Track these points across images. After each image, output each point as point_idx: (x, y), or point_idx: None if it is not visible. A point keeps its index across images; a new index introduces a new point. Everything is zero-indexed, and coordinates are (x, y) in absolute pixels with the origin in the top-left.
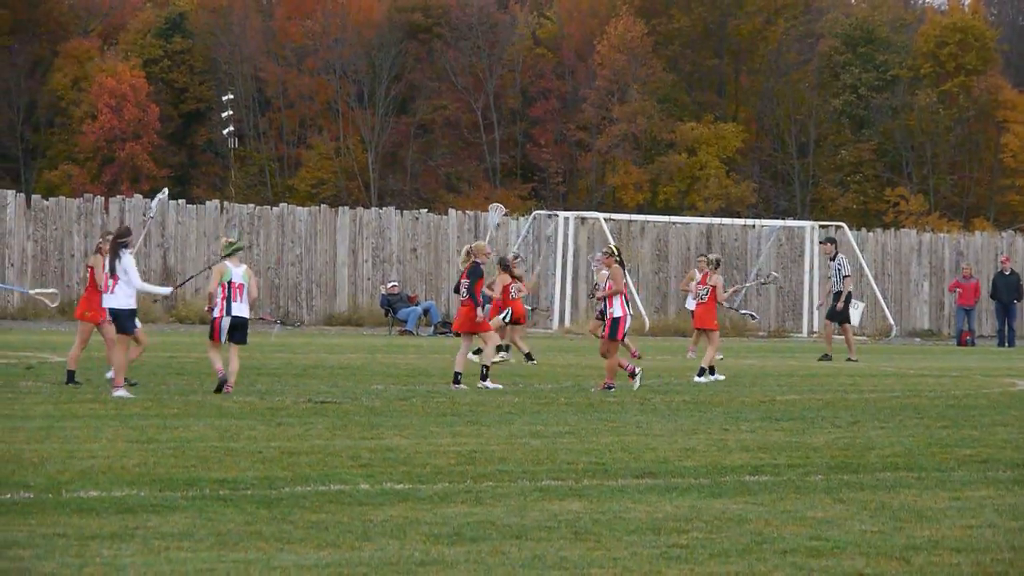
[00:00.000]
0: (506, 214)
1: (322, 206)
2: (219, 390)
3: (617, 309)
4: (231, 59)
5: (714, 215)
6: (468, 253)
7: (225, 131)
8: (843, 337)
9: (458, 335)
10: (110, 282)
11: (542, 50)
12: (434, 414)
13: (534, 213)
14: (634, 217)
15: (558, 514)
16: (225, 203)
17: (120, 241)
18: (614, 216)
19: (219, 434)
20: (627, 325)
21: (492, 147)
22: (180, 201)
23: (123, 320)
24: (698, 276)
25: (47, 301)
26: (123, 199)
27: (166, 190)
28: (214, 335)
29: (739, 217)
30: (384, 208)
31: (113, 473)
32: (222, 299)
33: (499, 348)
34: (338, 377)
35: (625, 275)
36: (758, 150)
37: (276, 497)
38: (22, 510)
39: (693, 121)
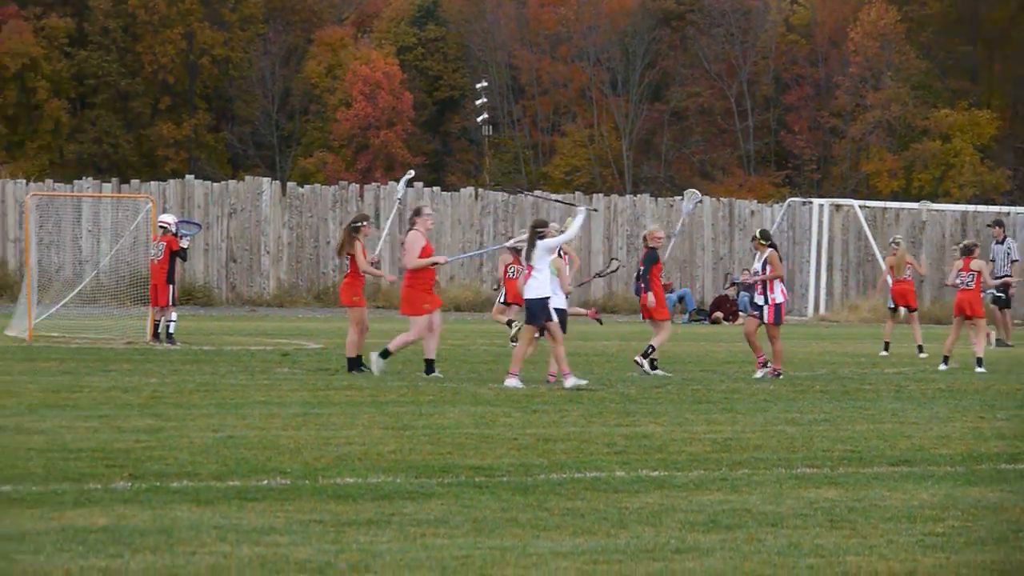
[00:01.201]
0: (699, 201)
1: (576, 193)
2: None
3: (778, 295)
4: (485, 46)
5: (968, 202)
6: (645, 239)
7: (479, 119)
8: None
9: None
10: (526, 271)
11: (795, 37)
12: (689, 401)
13: (788, 200)
14: (888, 204)
15: (814, 502)
16: (479, 190)
17: (538, 232)
18: (869, 203)
19: (475, 421)
20: (786, 311)
21: (746, 134)
22: (435, 188)
23: (536, 311)
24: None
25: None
26: (377, 186)
27: (412, 172)
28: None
29: (994, 204)
30: (639, 195)
31: (369, 460)
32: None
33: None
34: (593, 364)
35: (781, 259)
36: (1013, 137)
37: (532, 484)
38: (279, 496)
39: (947, 108)
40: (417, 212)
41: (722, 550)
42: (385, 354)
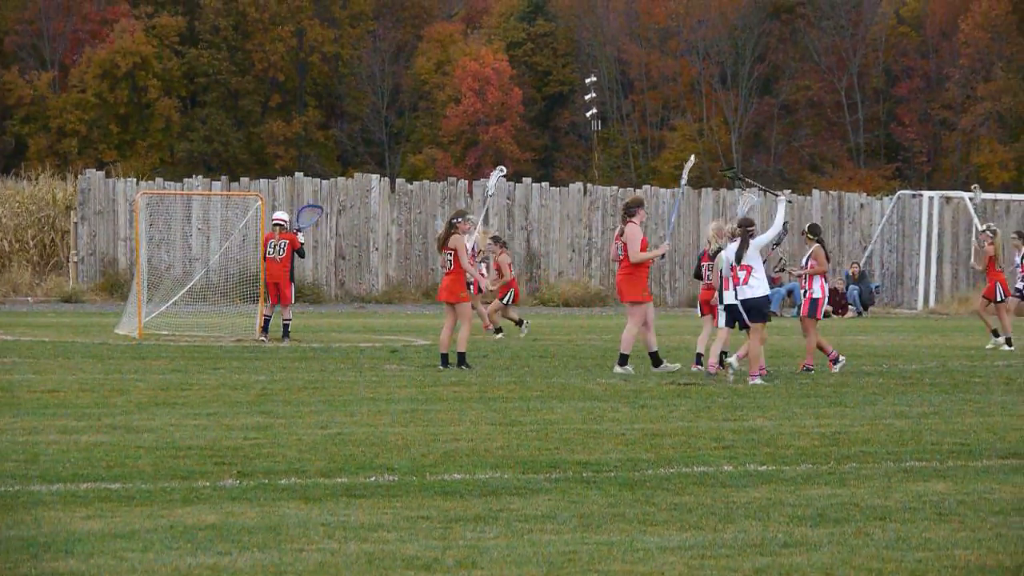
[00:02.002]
0: (504, 175)
1: (685, 188)
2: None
3: (817, 290)
4: (594, 41)
5: None
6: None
7: (588, 113)
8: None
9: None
10: (741, 274)
11: (905, 29)
12: (797, 395)
13: (898, 193)
14: (999, 196)
15: (922, 495)
16: (588, 185)
17: (748, 231)
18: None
19: (582, 416)
20: (824, 305)
21: (856, 127)
22: (543, 184)
23: (759, 309)
24: None
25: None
26: (486, 182)
27: (503, 168)
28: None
29: None
30: (747, 189)
31: (476, 455)
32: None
33: (519, 323)
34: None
35: (828, 254)
36: None
37: (639, 479)
38: (387, 493)
39: None
40: (638, 204)
41: (830, 544)
42: (624, 360)
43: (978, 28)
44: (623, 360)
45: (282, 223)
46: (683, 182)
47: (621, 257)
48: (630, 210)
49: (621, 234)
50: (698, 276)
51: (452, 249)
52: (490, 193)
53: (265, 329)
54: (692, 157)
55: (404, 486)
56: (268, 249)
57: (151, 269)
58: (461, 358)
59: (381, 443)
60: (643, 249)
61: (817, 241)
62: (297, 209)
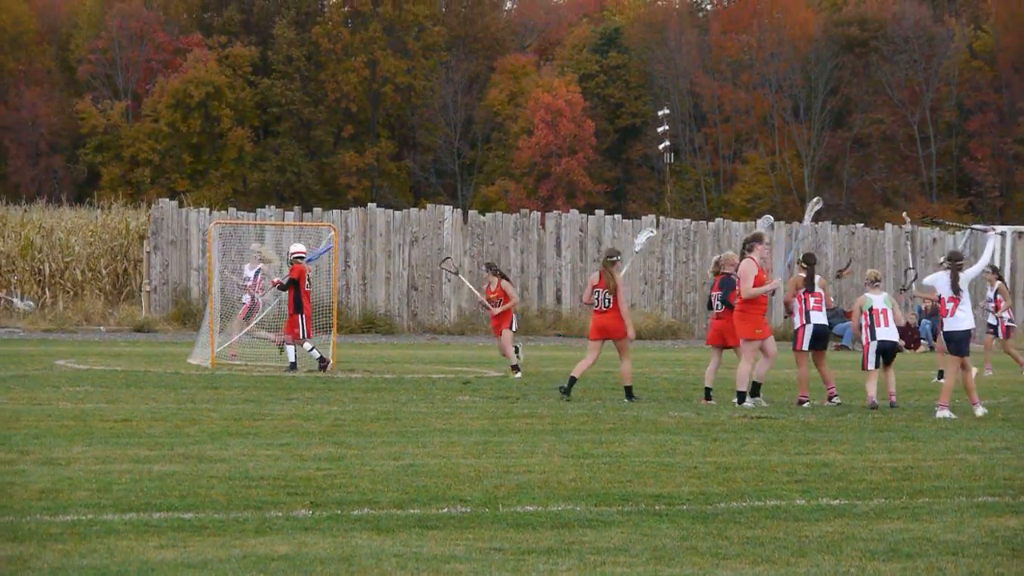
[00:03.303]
0: (653, 235)
1: (757, 220)
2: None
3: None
4: (667, 74)
5: None
6: (717, 264)
7: (661, 146)
8: None
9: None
10: (949, 305)
11: (978, 63)
12: (869, 429)
13: (970, 227)
14: None
15: (995, 530)
16: (661, 218)
17: (957, 264)
18: None
19: (655, 449)
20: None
21: (928, 161)
22: (616, 216)
23: (962, 341)
24: None
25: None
26: (559, 214)
27: (653, 229)
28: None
29: None
30: (820, 223)
31: (549, 487)
32: (866, 327)
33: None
34: (773, 392)
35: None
36: None
37: (711, 512)
38: (459, 524)
39: None
40: (757, 239)
41: None
42: (756, 391)
43: None
44: (742, 397)
45: (302, 255)
46: (807, 221)
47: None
48: (748, 245)
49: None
50: (710, 307)
51: (610, 287)
52: (637, 250)
53: (323, 360)
54: (818, 198)
55: (477, 518)
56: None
57: (223, 299)
58: (628, 392)
59: (454, 474)
60: (757, 284)
61: (807, 269)
62: (320, 250)
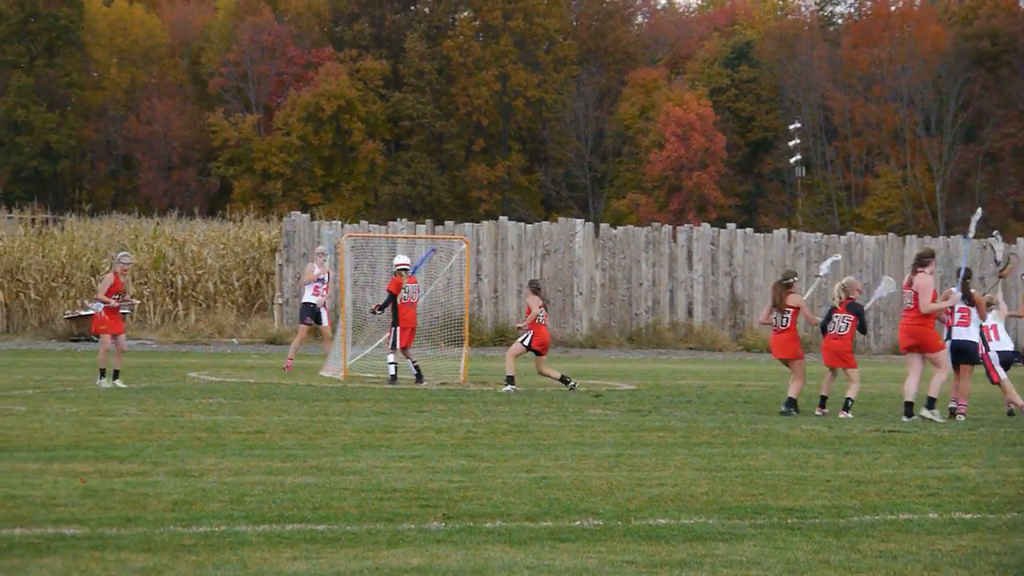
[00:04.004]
0: (837, 259)
1: (889, 235)
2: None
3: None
4: (798, 88)
5: None
6: (845, 289)
7: (792, 160)
8: None
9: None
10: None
11: None
12: (1002, 443)
13: None
14: None
15: None
16: (792, 232)
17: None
18: None
19: (787, 463)
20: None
21: None
22: (747, 230)
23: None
24: None
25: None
26: (690, 228)
27: (838, 255)
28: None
29: None
30: (951, 237)
31: (681, 501)
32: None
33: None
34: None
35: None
36: None
37: (844, 526)
38: (592, 537)
39: None
40: (930, 255)
41: None
42: (931, 403)
43: None
44: (931, 403)
45: (406, 267)
46: (971, 234)
47: (911, 306)
48: (922, 260)
49: (910, 284)
50: (824, 329)
51: (791, 307)
52: (822, 274)
53: (418, 375)
54: (979, 210)
55: (609, 530)
56: (403, 294)
57: (356, 311)
58: (791, 402)
59: (586, 487)
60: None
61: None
62: (423, 258)
